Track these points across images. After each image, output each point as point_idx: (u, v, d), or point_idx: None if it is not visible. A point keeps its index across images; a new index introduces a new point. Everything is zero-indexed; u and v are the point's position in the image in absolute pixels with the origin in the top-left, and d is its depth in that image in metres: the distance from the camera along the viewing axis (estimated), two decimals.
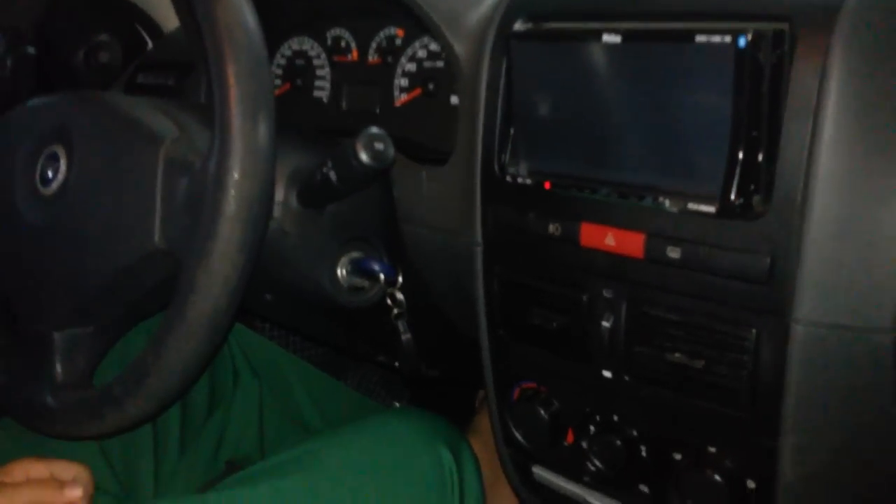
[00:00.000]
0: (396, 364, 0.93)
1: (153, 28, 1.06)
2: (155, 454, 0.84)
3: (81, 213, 0.61)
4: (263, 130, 0.52)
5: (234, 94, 0.51)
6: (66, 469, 0.67)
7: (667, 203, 0.55)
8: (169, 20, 1.06)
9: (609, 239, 0.57)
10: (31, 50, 0.73)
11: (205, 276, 0.51)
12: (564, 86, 0.60)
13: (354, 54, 0.87)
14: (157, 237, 0.56)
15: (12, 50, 0.71)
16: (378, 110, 0.85)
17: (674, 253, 0.54)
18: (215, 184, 0.51)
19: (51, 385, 0.64)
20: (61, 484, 0.65)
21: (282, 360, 1.01)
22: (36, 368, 0.65)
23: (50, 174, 0.62)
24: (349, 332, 0.90)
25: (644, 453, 0.62)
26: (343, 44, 0.87)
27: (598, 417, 0.65)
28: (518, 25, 0.63)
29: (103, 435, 0.63)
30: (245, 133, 0.51)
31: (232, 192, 0.51)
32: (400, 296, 0.75)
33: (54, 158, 0.62)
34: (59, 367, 0.64)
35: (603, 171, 0.58)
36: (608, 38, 0.56)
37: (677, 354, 0.57)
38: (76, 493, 0.66)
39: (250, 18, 0.54)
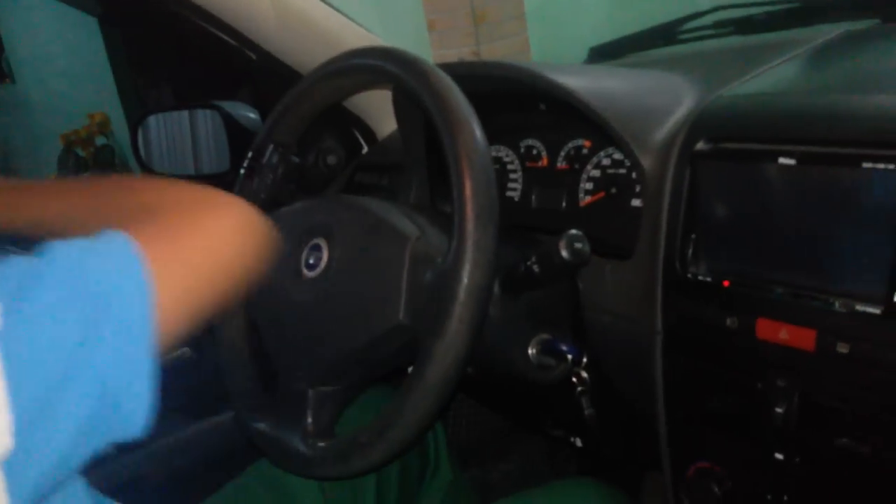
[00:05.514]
0: (573, 439, 1.02)
1: (369, 134, 1.24)
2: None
3: (339, 294, 0.76)
4: (490, 235, 0.65)
5: (471, 207, 0.65)
6: None
7: (836, 304, 0.63)
8: (382, 127, 1.25)
9: (783, 333, 0.66)
10: (295, 159, 0.92)
11: (441, 348, 0.64)
12: (742, 198, 0.70)
13: (545, 161, 1.00)
14: (401, 314, 0.70)
15: (283, 161, 0.91)
16: (563, 208, 0.97)
17: (843, 348, 0.62)
18: (452, 277, 0.65)
19: (302, 434, 0.78)
20: None
21: None
22: (292, 420, 0.79)
23: (312, 261, 0.78)
24: (533, 407, 0.99)
25: None
26: (535, 152, 1.00)
27: (769, 497, 0.71)
28: (700, 145, 0.74)
29: (344, 476, 0.76)
30: (477, 239, 0.65)
31: (465, 282, 0.64)
32: (585, 374, 0.85)
33: (317, 249, 0.78)
34: (310, 419, 0.79)
35: (778, 273, 0.67)
36: (784, 160, 0.65)
37: (845, 440, 0.63)
38: None
39: (482, 143, 0.68)
